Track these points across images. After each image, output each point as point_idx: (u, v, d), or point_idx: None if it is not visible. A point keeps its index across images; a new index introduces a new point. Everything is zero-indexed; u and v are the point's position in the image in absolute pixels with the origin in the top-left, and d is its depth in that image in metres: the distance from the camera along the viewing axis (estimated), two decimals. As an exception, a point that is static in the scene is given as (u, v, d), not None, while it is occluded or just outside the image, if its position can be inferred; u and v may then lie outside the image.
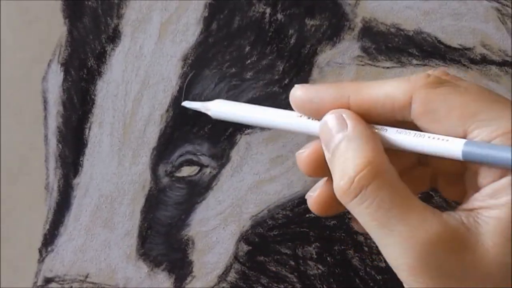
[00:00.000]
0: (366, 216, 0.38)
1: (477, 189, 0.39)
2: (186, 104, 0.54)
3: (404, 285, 0.39)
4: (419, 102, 0.40)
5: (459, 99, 0.39)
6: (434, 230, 0.37)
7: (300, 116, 0.45)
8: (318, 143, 0.44)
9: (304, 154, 0.44)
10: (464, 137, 0.39)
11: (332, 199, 0.43)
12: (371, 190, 0.38)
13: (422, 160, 0.45)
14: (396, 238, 0.37)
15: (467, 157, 0.39)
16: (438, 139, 0.39)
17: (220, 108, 0.50)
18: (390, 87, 0.40)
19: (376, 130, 0.41)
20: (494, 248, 0.37)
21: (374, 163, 0.38)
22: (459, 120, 0.39)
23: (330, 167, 0.41)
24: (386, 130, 0.41)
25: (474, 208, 0.38)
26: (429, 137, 0.40)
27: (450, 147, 0.39)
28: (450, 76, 0.42)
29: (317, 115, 0.43)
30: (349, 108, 0.41)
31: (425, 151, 0.40)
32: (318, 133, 0.43)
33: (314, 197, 0.45)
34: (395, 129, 0.41)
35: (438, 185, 0.46)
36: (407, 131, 0.41)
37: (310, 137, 0.45)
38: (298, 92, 0.44)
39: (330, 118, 0.41)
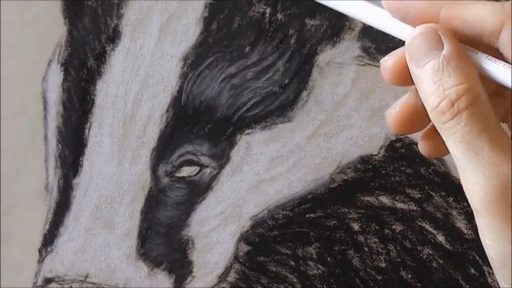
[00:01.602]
0: (457, 137, 0.38)
1: None
2: None
3: (475, 214, 0.39)
4: (508, 32, 0.39)
5: None
6: None
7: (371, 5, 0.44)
8: (404, 51, 0.43)
9: (389, 62, 0.43)
10: None
11: (413, 115, 0.43)
12: (468, 113, 0.38)
13: (499, 91, 0.45)
14: (480, 162, 0.38)
15: None
16: (506, 65, 0.39)
17: None
18: (483, 10, 0.40)
19: (469, 52, 0.41)
20: None
21: (474, 89, 0.39)
22: None
23: (417, 82, 0.40)
24: (477, 53, 0.40)
25: None
26: (492, 60, 0.39)
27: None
28: None
29: (406, 18, 0.42)
30: (437, 21, 0.41)
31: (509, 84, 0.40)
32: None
33: (394, 114, 0.45)
34: (485, 55, 0.40)
35: (509, 119, 0.46)
36: (496, 60, 0.40)
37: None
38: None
39: (425, 33, 0.40)
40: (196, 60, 0.61)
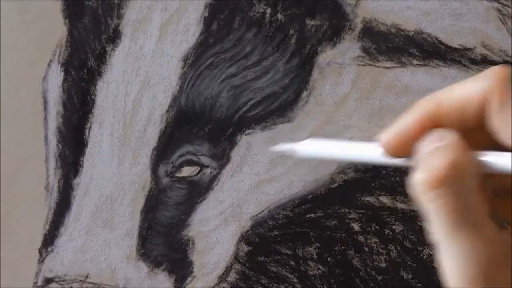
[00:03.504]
0: (438, 216, 0.38)
1: None
2: (275, 148, 0.52)
3: None
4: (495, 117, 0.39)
5: None
6: (499, 250, 0.37)
7: None
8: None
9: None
10: None
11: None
12: (452, 192, 0.38)
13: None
14: (461, 247, 0.37)
15: None
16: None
17: (309, 149, 0.48)
18: (468, 88, 0.40)
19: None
20: None
21: (461, 165, 0.38)
22: None
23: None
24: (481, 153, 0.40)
25: None
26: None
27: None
28: None
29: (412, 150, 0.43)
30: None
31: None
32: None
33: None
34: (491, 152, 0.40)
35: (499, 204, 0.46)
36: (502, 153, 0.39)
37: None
38: (384, 142, 0.43)
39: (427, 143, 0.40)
40: (197, 60, 0.61)
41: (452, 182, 0.38)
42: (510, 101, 0.38)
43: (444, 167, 0.38)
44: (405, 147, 0.42)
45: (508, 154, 0.39)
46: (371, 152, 0.44)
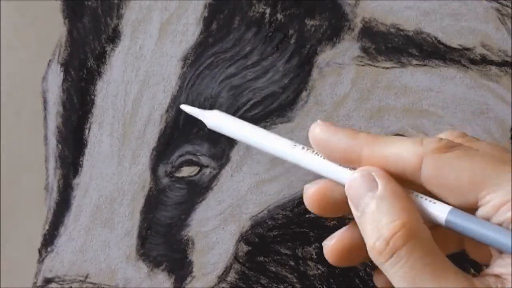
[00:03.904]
0: (398, 276, 0.38)
1: (499, 253, 0.39)
2: (184, 107, 0.53)
3: None
4: (428, 167, 0.39)
5: (469, 165, 0.38)
6: None
7: (303, 149, 0.44)
8: (327, 182, 0.43)
9: (311, 190, 0.43)
10: (475, 204, 0.38)
11: (351, 249, 0.43)
12: (406, 251, 0.38)
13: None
14: None
15: (449, 225, 0.39)
16: (426, 199, 0.40)
17: (217, 120, 0.49)
18: (402, 148, 0.40)
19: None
20: None
21: (408, 224, 0.38)
22: (469, 186, 0.38)
23: (359, 225, 0.40)
24: (412, 193, 0.41)
25: (501, 274, 0.38)
26: (417, 196, 0.40)
27: (435, 212, 0.39)
28: (466, 138, 0.41)
29: (331, 157, 0.43)
30: (360, 161, 0.41)
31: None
32: (325, 176, 0.43)
33: (331, 246, 0.44)
34: (419, 194, 0.40)
35: (465, 246, 0.45)
36: (431, 199, 0.40)
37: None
38: (317, 130, 0.43)
39: (359, 176, 0.41)
40: (196, 60, 0.61)
41: (401, 246, 0.38)
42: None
43: (395, 230, 0.38)
44: (330, 154, 0.43)
45: (443, 205, 0.39)
46: (280, 145, 0.44)
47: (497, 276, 0.38)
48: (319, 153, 0.43)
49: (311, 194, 0.43)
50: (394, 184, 0.40)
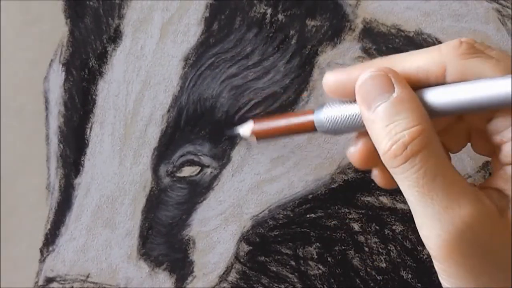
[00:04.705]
0: (410, 181, 0.38)
1: (501, 164, 0.39)
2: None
3: (433, 259, 0.39)
4: (453, 73, 0.39)
5: (491, 71, 0.38)
6: (472, 206, 0.37)
7: None
8: (366, 141, 0.43)
9: (355, 151, 0.44)
10: None
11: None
12: (421, 157, 0.37)
13: (455, 120, 0.45)
14: (435, 207, 0.37)
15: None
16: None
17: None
18: (422, 60, 0.40)
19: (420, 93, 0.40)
20: None
21: (426, 131, 0.38)
22: None
23: (368, 126, 0.40)
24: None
25: (503, 190, 0.38)
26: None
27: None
28: (480, 44, 0.41)
29: (350, 95, 0.42)
30: None
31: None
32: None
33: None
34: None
35: (471, 139, 0.45)
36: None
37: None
38: (330, 78, 0.43)
39: (376, 75, 0.40)
40: (197, 61, 0.61)
41: (418, 152, 0.38)
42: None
43: (414, 136, 0.38)
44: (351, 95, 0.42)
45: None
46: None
47: (499, 190, 0.39)
48: (337, 98, 0.43)
49: (356, 154, 0.44)
50: (410, 89, 0.39)
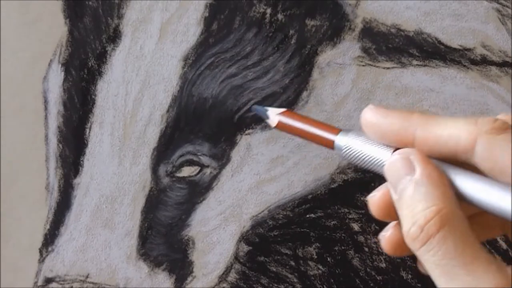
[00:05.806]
0: (431, 263, 0.38)
1: None
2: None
3: None
4: (482, 147, 0.39)
5: None
6: (496, 283, 0.37)
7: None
8: (387, 187, 0.43)
9: (375, 197, 0.43)
10: None
11: (403, 240, 0.43)
12: (438, 239, 0.37)
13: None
14: (460, 284, 0.37)
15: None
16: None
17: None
18: (456, 128, 0.40)
19: (447, 170, 0.40)
20: None
21: (443, 211, 0.38)
22: None
23: (397, 209, 0.40)
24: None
25: None
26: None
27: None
28: None
29: (384, 139, 0.42)
30: (413, 142, 0.41)
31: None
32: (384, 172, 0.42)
33: (386, 237, 0.44)
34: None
35: (509, 230, 0.45)
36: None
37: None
38: (368, 114, 0.43)
39: (397, 160, 0.40)
40: (197, 61, 0.61)
41: (434, 233, 0.38)
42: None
43: (429, 217, 0.38)
44: (383, 137, 0.42)
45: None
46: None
47: None
48: (371, 137, 0.43)
49: (375, 200, 0.43)
50: (432, 169, 0.39)
